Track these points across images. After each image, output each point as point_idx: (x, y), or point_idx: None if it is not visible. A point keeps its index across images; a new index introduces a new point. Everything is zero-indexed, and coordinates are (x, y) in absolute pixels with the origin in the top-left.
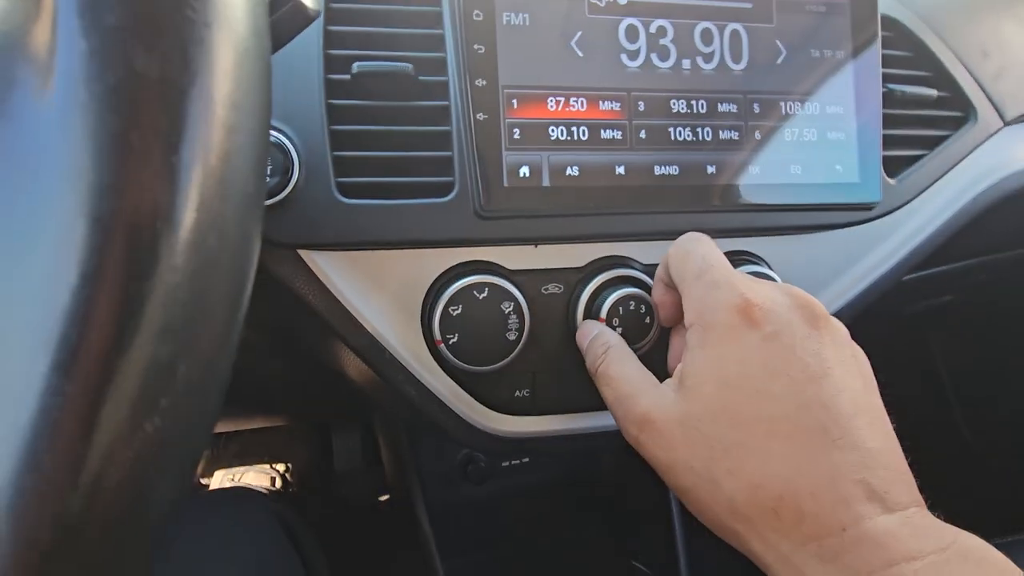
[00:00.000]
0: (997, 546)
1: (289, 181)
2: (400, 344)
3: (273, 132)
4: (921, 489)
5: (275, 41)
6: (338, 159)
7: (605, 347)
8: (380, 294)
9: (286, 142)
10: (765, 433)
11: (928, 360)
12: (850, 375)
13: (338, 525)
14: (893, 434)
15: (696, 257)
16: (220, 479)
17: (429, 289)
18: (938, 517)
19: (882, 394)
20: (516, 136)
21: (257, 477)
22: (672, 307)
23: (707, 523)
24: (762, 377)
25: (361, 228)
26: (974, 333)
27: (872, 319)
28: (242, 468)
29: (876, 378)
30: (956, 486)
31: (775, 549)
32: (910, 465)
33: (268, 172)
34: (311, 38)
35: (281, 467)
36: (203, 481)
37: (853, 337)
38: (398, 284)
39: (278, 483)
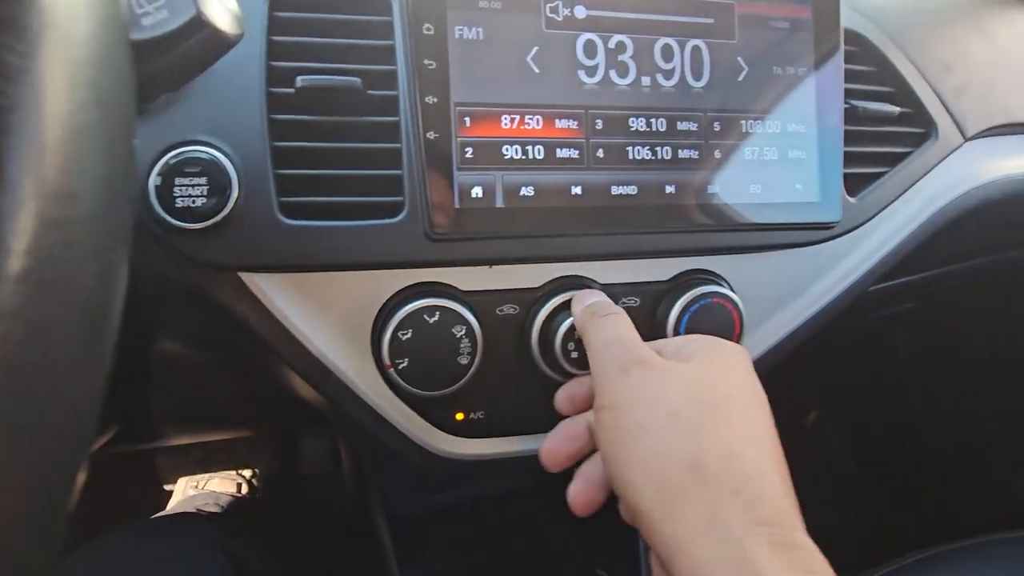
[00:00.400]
0: (958, 549)
1: (227, 201)
2: (348, 368)
3: (208, 149)
4: (882, 491)
5: (188, 69)
6: (281, 178)
7: (620, 311)
8: (326, 317)
9: (223, 160)
10: (746, 420)
11: (892, 361)
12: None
13: (294, 540)
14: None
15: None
16: (183, 487)
17: (379, 312)
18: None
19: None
20: (468, 155)
21: (223, 483)
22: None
23: (651, 475)
24: (753, 382)
25: (305, 250)
26: (936, 338)
27: (833, 324)
28: (206, 475)
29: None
30: (913, 488)
31: (723, 525)
32: (876, 467)
33: (204, 192)
34: (253, 49)
35: (248, 473)
36: (167, 487)
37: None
38: (346, 307)
39: (244, 489)
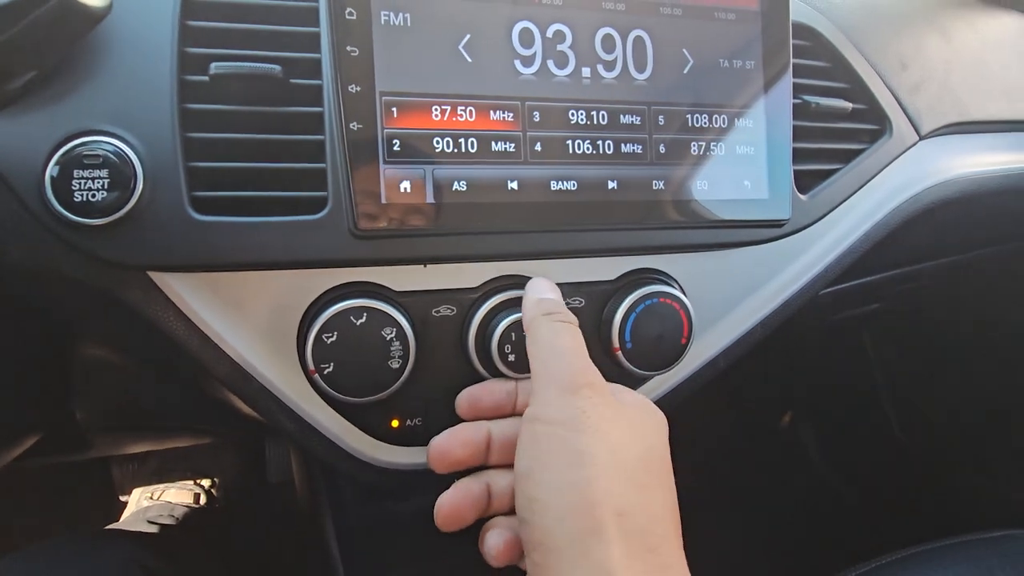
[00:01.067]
0: (931, 550)
1: (131, 195)
2: (272, 372)
3: (110, 139)
4: (856, 492)
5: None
6: (192, 170)
7: (573, 318)
8: (247, 319)
9: (127, 151)
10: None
11: (862, 361)
12: None
13: (237, 556)
14: None
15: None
16: (137, 498)
17: (305, 313)
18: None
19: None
20: (396, 148)
21: (179, 494)
22: None
23: (573, 507)
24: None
25: (219, 248)
26: (904, 337)
27: (804, 323)
28: (162, 486)
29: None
30: (886, 489)
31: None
32: (850, 467)
33: (105, 185)
34: (163, 33)
35: (207, 482)
36: (122, 498)
37: (785, 339)
38: (269, 308)
39: (202, 499)
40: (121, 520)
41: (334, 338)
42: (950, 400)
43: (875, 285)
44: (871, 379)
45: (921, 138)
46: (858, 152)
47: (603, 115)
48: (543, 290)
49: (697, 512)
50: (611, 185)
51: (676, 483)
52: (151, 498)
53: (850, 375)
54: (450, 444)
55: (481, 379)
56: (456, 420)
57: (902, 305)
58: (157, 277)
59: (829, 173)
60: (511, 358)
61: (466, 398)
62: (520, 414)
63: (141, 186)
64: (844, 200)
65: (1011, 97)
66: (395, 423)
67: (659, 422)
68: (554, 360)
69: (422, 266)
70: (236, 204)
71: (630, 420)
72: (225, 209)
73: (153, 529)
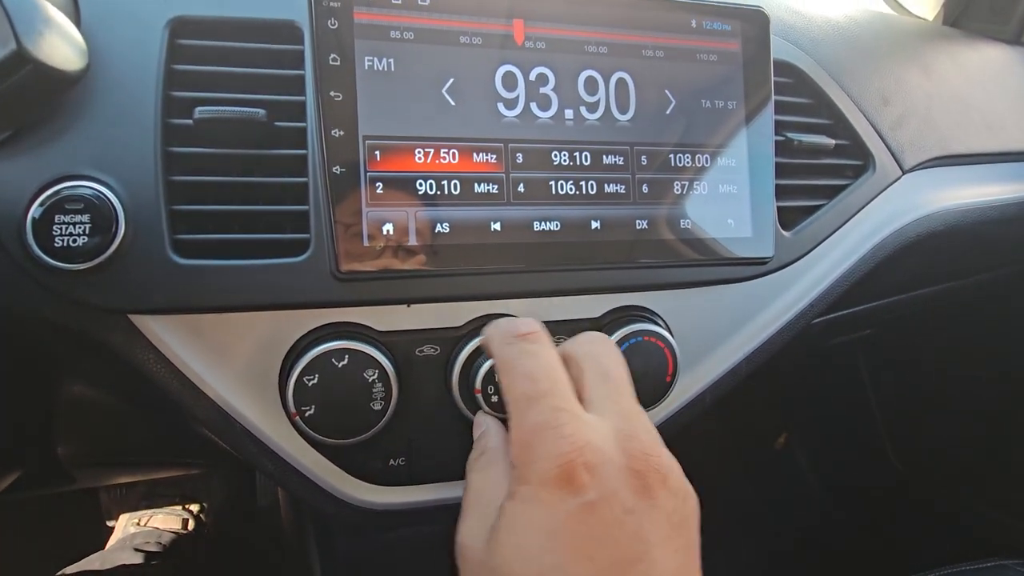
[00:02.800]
0: None
1: (112, 240)
2: (253, 414)
3: (92, 184)
4: (847, 515)
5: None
6: (175, 213)
7: (482, 450)
8: (229, 361)
9: (108, 194)
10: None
11: (857, 384)
12: (669, 556)
13: None
14: None
15: (520, 376)
16: (124, 524)
17: (287, 354)
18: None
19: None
20: (379, 190)
21: (166, 520)
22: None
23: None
24: (565, 554)
25: (201, 291)
26: (896, 363)
27: (797, 348)
28: (149, 511)
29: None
30: (878, 513)
31: None
32: (845, 491)
33: (86, 231)
34: (148, 78)
35: (195, 507)
36: (108, 523)
37: (778, 368)
38: (250, 350)
39: (191, 524)
40: (107, 547)
41: (315, 380)
42: (944, 426)
43: (865, 313)
44: (866, 403)
45: (904, 172)
46: (841, 188)
47: (586, 156)
48: (478, 426)
49: None
50: (594, 225)
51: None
52: (138, 524)
53: (845, 398)
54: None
55: (465, 419)
56: (441, 461)
57: (895, 330)
58: (138, 320)
59: (813, 209)
60: (494, 399)
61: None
62: None
63: (123, 230)
64: (828, 236)
65: (993, 129)
66: (378, 463)
67: (555, 517)
68: (517, 404)
69: (405, 306)
70: (218, 247)
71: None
72: (207, 252)
73: (138, 558)
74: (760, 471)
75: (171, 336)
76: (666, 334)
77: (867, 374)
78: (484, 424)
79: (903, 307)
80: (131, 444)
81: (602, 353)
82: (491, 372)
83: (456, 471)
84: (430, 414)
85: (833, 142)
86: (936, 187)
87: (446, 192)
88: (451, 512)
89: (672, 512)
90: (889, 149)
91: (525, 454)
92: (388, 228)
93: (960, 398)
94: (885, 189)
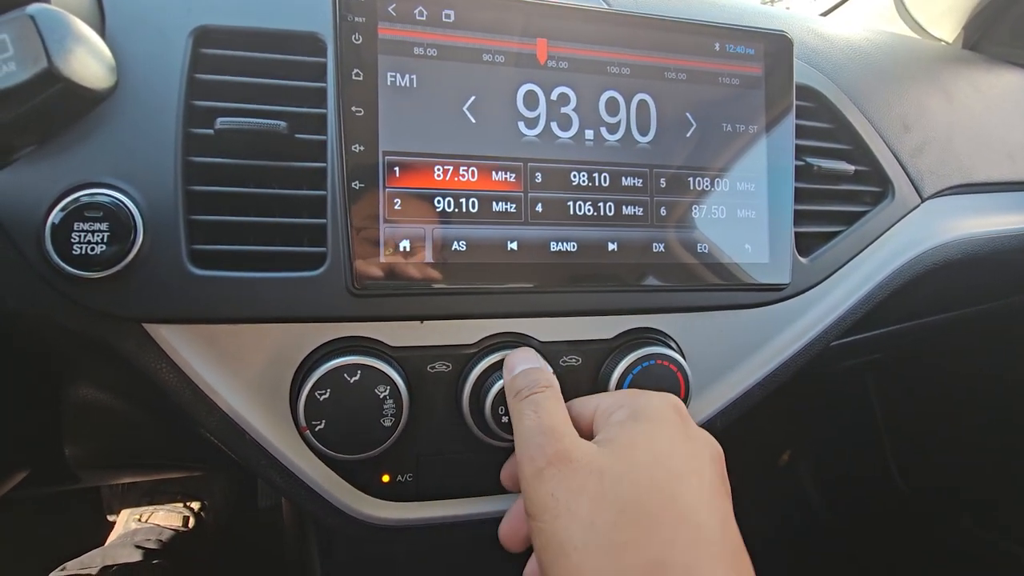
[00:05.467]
0: None
1: (131, 248)
2: (263, 426)
3: (111, 192)
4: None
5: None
6: (193, 224)
7: (547, 382)
8: (240, 372)
9: (127, 203)
10: (676, 517)
11: (865, 405)
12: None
13: None
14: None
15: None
16: (126, 520)
17: (299, 367)
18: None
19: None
20: (397, 207)
21: (167, 517)
22: None
23: None
24: (685, 463)
25: (216, 303)
26: (907, 385)
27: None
28: (151, 508)
29: None
30: (890, 532)
31: None
32: (848, 511)
33: (104, 239)
34: (170, 88)
35: (196, 505)
36: (109, 518)
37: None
38: (263, 362)
39: (191, 522)
40: (107, 543)
41: (327, 395)
42: (951, 449)
43: (878, 338)
44: (873, 423)
45: (923, 200)
46: (860, 215)
47: (605, 177)
48: (514, 366)
49: None
50: (611, 247)
51: None
52: (139, 520)
53: (851, 417)
54: (512, 524)
55: (474, 437)
56: (449, 478)
57: (906, 354)
58: (152, 329)
59: (830, 235)
60: (504, 419)
61: (507, 472)
62: None
63: (141, 239)
64: (845, 263)
65: (1014, 158)
66: (386, 478)
67: (654, 437)
68: (523, 446)
69: (419, 322)
70: (235, 258)
71: (600, 477)
72: (224, 263)
73: (139, 555)
74: (762, 486)
75: (184, 345)
76: (679, 357)
77: (875, 394)
78: (535, 360)
79: (916, 332)
80: (139, 447)
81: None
82: (503, 392)
83: (464, 488)
84: (440, 431)
85: (853, 168)
86: (955, 215)
87: (464, 210)
88: (455, 529)
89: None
90: (909, 176)
91: (636, 398)
92: (405, 244)
93: (968, 422)
94: (904, 217)
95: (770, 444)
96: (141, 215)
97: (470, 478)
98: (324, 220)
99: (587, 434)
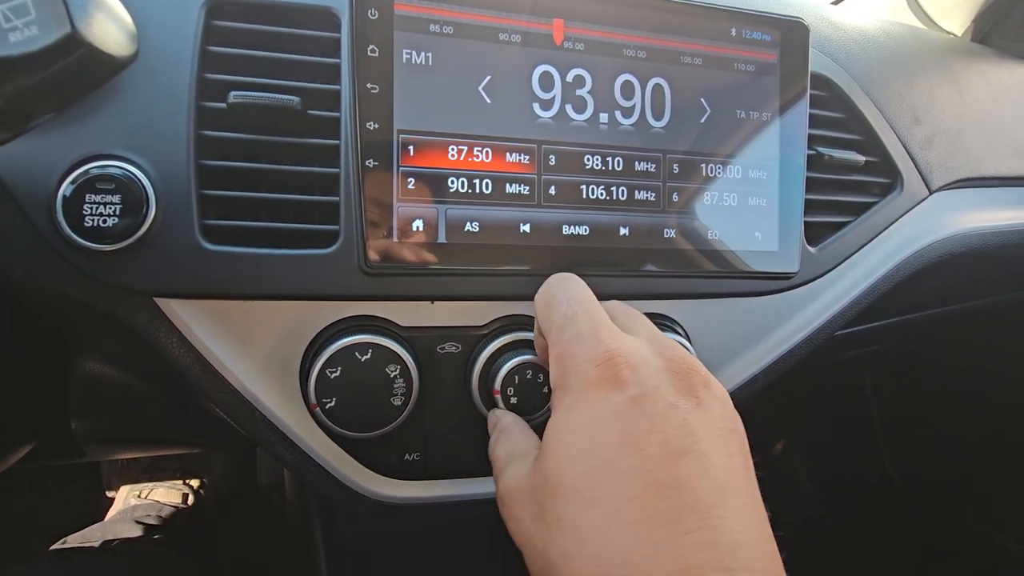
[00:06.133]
0: None
1: (143, 222)
2: (273, 403)
3: (124, 164)
4: (843, 528)
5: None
6: (205, 198)
7: (497, 430)
8: (251, 348)
9: (139, 176)
10: (607, 515)
11: (860, 397)
12: (720, 453)
13: (228, 558)
14: (765, 522)
15: (560, 302)
16: (125, 496)
17: (310, 345)
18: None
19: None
20: (411, 186)
21: (167, 494)
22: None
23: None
24: (613, 448)
25: (228, 278)
26: (902, 378)
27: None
28: (151, 484)
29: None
30: (884, 526)
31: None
32: (842, 503)
33: (117, 212)
34: (183, 60)
35: (196, 482)
36: (108, 494)
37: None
38: (274, 338)
39: (191, 499)
40: (107, 518)
41: (338, 373)
42: (945, 443)
43: (879, 330)
44: (868, 415)
45: (932, 193)
46: (868, 205)
47: (619, 161)
48: (490, 421)
49: None
50: (623, 231)
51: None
52: (139, 496)
53: (846, 408)
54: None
55: (482, 417)
56: (456, 457)
57: (905, 346)
58: (163, 303)
59: (838, 226)
60: (513, 400)
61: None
62: None
63: (153, 213)
64: (852, 254)
65: (1022, 154)
66: (393, 458)
67: (599, 412)
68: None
69: (430, 303)
70: (247, 234)
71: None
72: (236, 239)
73: (138, 531)
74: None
75: (195, 320)
76: (686, 343)
77: (871, 386)
78: (496, 413)
79: (917, 325)
80: (145, 422)
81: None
82: (511, 373)
83: (471, 468)
84: (448, 411)
85: (863, 159)
86: (961, 209)
87: (477, 191)
88: (463, 508)
89: (720, 417)
90: (918, 169)
91: (565, 364)
92: (418, 224)
93: (964, 416)
94: (911, 209)
95: (765, 434)
96: (154, 188)
97: (478, 457)
98: (337, 198)
99: None
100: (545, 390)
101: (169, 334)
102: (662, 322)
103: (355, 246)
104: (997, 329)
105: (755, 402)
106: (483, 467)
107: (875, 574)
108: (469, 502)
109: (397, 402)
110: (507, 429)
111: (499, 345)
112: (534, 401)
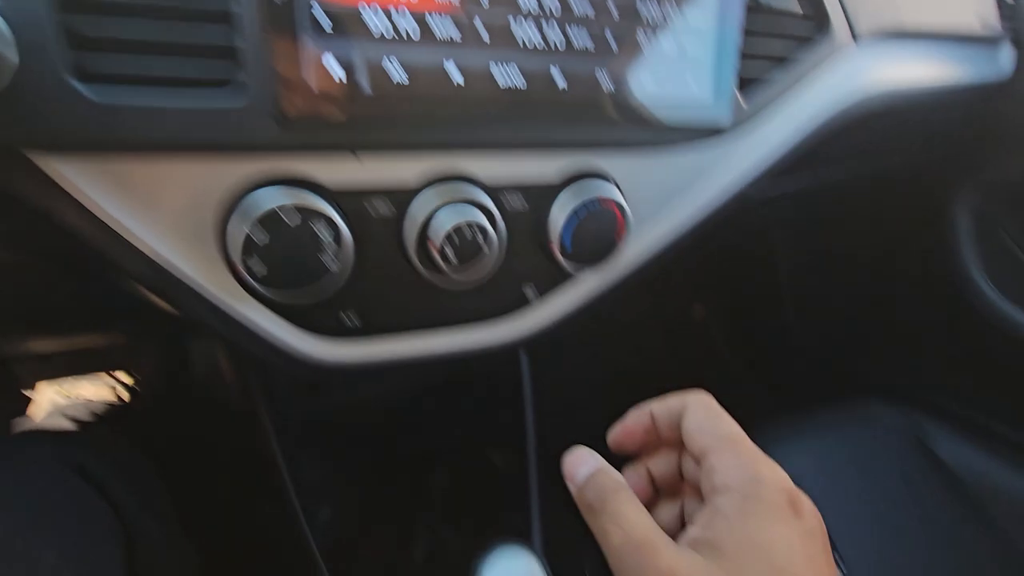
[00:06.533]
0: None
1: None
2: (192, 268)
3: None
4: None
5: None
6: (74, 34)
7: (616, 487)
8: (161, 211)
9: None
10: None
11: (770, 259)
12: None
13: (174, 451)
14: None
15: (727, 421)
16: (48, 395)
17: (227, 204)
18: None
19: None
20: (325, 27)
21: (96, 390)
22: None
23: None
24: (804, 570)
25: (113, 125)
26: (809, 241)
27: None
28: (75, 379)
29: None
30: (779, 364)
31: None
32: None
33: None
34: None
35: (127, 378)
36: (26, 394)
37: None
38: (185, 199)
39: (124, 395)
40: (37, 421)
41: (267, 240)
42: (842, 297)
43: (787, 194)
44: (776, 275)
45: (855, 40)
46: (795, 52)
47: (555, 3)
48: (575, 474)
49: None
50: (558, 78)
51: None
52: (65, 396)
53: (758, 271)
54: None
55: (422, 278)
56: (395, 313)
57: (811, 212)
58: (43, 162)
59: (765, 74)
60: (453, 260)
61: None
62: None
63: (6, 51)
64: (778, 99)
65: (945, 10)
66: (330, 318)
67: (771, 549)
68: (618, 568)
69: (355, 159)
70: (133, 74)
71: None
72: (120, 79)
73: (72, 428)
74: (678, 339)
75: (88, 182)
76: (619, 198)
77: (780, 248)
78: (594, 461)
79: (828, 188)
80: (50, 306)
81: None
82: (450, 236)
83: (409, 323)
84: (384, 273)
85: (801, 11)
86: (885, 62)
87: (401, 33)
88: (409, 370)
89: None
90: (845, 14)
91: (748, 479)
92: (334, 67)
93: (859, 274)
94: (836, 57)
95: (683, 297)
96: (5, 19)
97: (417, 312)
98: (241, 38)
99: (671, 490)
100: (484, 249)
101: (60, 200)
102: (597, 176)
103: (265, 92)
104: (889, 198)
105: (674, 266)
106: (424, 322)
107: (772, 412)
108: (412, 361)
109: (335, 268)
110: (628, 491)
111: (436, 205)
112: (472, 258)
